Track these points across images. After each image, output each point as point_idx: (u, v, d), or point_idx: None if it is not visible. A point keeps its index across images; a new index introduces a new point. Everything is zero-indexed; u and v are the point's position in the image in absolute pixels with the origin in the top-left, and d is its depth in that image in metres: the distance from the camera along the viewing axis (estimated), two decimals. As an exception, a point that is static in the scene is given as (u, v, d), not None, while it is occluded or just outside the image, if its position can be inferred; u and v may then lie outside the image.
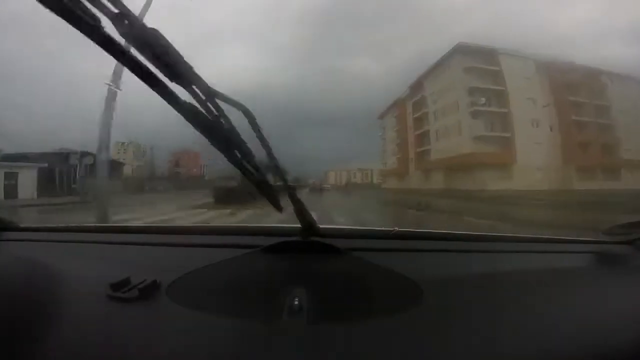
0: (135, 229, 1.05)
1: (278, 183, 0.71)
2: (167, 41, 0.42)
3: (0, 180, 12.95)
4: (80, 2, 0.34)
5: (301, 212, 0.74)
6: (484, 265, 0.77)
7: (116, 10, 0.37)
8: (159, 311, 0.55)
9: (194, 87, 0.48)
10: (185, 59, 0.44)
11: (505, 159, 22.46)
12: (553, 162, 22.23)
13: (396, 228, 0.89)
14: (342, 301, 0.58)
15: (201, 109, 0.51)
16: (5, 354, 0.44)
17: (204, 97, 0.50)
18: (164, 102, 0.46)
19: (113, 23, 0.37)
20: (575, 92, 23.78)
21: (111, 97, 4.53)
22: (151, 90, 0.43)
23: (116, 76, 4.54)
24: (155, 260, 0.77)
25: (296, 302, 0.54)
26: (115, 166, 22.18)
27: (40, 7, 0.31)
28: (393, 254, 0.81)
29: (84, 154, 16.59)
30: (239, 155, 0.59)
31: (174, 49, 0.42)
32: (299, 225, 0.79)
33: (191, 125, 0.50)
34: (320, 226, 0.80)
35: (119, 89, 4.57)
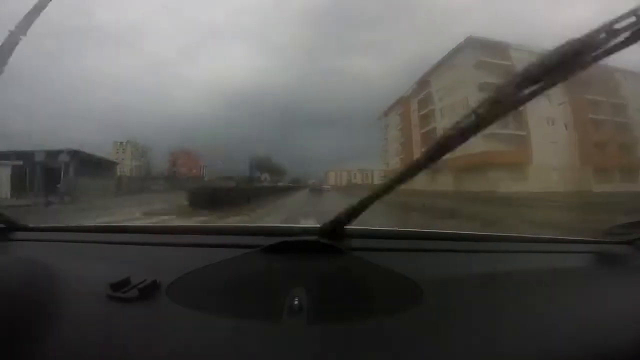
0: (135, 228, 1.02)
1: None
2: None
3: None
4: None
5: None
6: (484, 265, 0.77)
7: None
8: (159, 311, 0.55)
9: None
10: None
11: (520, 159, 21.05)
12: (569, 162, 20.88)
13: (396, 228, 0.94)
14: (342, 301, 0.58)
15: None
16: (5, 354, 0.44)
17: None
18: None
19: None
20: (590, 89, 22.48)
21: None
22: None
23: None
24: (155, 260, 0.77)
25: (296, 302, 0.54)
26: (106, 165, 21.75)
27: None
28: (393, 254, 0.82)
29: (60, 152, 15.98)
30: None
31: None
32: (299, 225, 0.86)
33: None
34: (320, 226, 0.81)
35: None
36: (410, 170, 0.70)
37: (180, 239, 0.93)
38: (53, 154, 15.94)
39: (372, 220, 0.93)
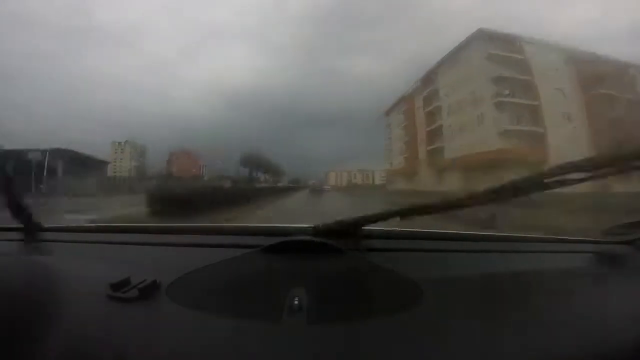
0: (135, 228, 1.02)
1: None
2: None
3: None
4: None
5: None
6: (484, 265, 0.77)
7: None
8: (159, 311, 0.55)
9: None
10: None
11: (536, 156, 19.72)
12: (588, 160, 19.57)
13: (396, 228, 0.91)
14: (342, 301, 0.58)
15: None
16: (5, 354, 0.44)
17: None
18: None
19: None
20: (606, 85, 21.31)
21: None
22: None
23: None
24: (155, 260, 0.77)
25: (296, 302, 0.54)
26: (96, 165, 20.97)
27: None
28: (393, 254, 0.81)
29: (44, 152, 15.42)
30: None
31: None
32: (299, 225, 0.86)
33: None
34: (321, 226, 0.84)
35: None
36: (427, 208, 0.75)
37: (180, 239, 0.93)
38: (36, 153, 15.31)
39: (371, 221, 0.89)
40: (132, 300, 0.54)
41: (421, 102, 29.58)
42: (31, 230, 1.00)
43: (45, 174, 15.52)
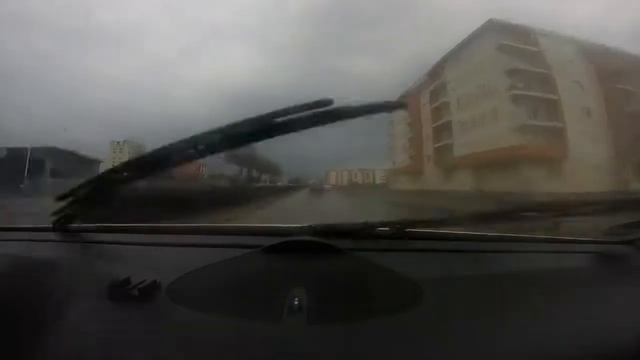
0: (135, 229, 1.00)
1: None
2: None
3: None
4: None
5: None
6: (484, 265, 0.78)
7: None
8: (159, 311, 0.55)
9: None
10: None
11: (555, 153, 18.43)
12: (609, 158, 18.32)
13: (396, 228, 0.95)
14: (342, 301, 0.58)
15: None
16: (5, 354, 0.45)
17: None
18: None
19: None
20: (622, 79, 20.12)
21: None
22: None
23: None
24: (155, 260, 0.77)
25: (296, 302, 0.54)
26: (86, 164, 20.48)
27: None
28: (393, 254, 0.81)
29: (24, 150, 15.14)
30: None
31: None
32: (299, 225, 0.85)
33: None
34: (321, 226, 0.84)
35: None
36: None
37: (180, 239, 0.93)
38: (19, 152, 15.00)
39: (373, 221, 0.91)
40: (132, 300, 0.54)
41: (427, 97, 28.23)
42: (31, 230, 1.02)
43: (28, 172, 15.04)
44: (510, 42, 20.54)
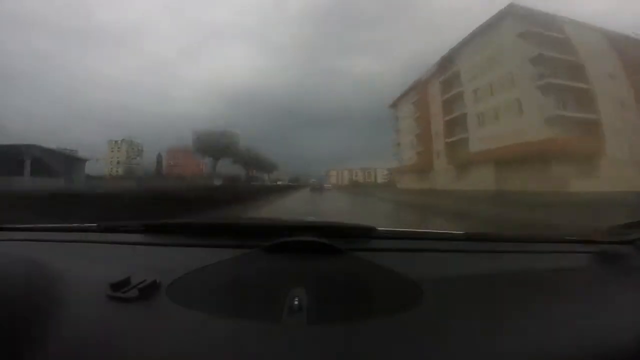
0: (135, 229, 1.00)
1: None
2: None
3: None
4: None
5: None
6: (484, 265, 0.77)
7: None
8: (159, 311, 0.55)
9: None
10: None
11: (591, 149, 16.50)
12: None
13: (396, 228, 0.93)
14: (342, 301, 0.58)
15: None
16: (5, 354, 0.45)
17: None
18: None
19: None
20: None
21: None
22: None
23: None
24: (155, 260, 0.77)
25: (296, 302, 0.54)
26: (69, 162, 19.73)
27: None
28: (393, 254, 0.81)
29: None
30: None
31: None
32: (300, 225, 0.86)
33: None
34: (321, 226, 0.86)
35: None
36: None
37: (180, 239, 0.92)
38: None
39: (373, 221, 0.90)
40: (132, 300, 0.54)
41: (437, 89, 26.21)
42: (32, 230, 1.03)
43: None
44: (534, 28, 18.59)
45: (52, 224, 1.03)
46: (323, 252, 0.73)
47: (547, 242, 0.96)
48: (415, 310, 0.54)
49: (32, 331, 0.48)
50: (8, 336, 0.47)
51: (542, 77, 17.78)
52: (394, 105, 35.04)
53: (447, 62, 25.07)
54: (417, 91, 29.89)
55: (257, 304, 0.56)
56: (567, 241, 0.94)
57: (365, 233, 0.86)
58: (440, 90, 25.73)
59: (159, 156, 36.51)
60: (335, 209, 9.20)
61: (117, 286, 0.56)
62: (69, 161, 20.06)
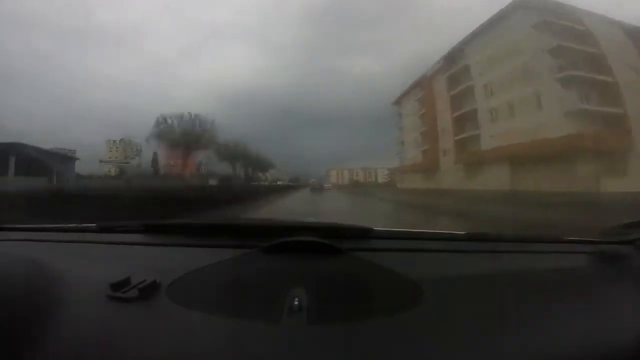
0: (135, 229, 1.00)
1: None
2: None
3: None
4: None
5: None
6: (484, 265, 0.77)
7: None
8: (159, 311, 0.55)
9: None
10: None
11: (619, 145, 15.33)
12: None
13: (396, 228, 0.93)
14: (342, 301, 0.58)
15: None
16: (5, 354, 0.45)
17: None
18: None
19: None
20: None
21: None
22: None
23: None
24: (155, 260, 0.77)
25: (296, 302, 0.54)
26: (57, 161, 18.62)
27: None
28: (393, 254, 0.81)
29: None
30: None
31: None
32: (299, 226, 0.86)
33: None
34: (321, 226, 0.86)
35: None
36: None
37: (180, 239, 0.92)
38: None
39: (372, 221, 0.91)
40: (132, 300, 0.55)
41: (444, 84, 25.04)
42: (32, 230, 1.03)
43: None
44: (551, 18, 17.46)
45: (52, 224, 1.03)
46: (323, 252, 0.73)
47: (547, 242, 0.97)
48: (415, 310, 0.54)
49: (32, 331, 0.48)
50: (8, 336, 0.47)
51: (562, 70, 16.63)
52: (398, 102, 33.81)
53: (455, 56, 23.90)
54: (422, 87, 28.68)
55: (257, 304, 0.56)
56: (567, 241, 0.94)
57: (365, 234, 0.87)
58: (447, 85, 24.58)
59: (155, 155, 35.66)
60: (335, 209, 8.93)
61: (117, 286, 0.56)
62: (57, 160, 19.15)
